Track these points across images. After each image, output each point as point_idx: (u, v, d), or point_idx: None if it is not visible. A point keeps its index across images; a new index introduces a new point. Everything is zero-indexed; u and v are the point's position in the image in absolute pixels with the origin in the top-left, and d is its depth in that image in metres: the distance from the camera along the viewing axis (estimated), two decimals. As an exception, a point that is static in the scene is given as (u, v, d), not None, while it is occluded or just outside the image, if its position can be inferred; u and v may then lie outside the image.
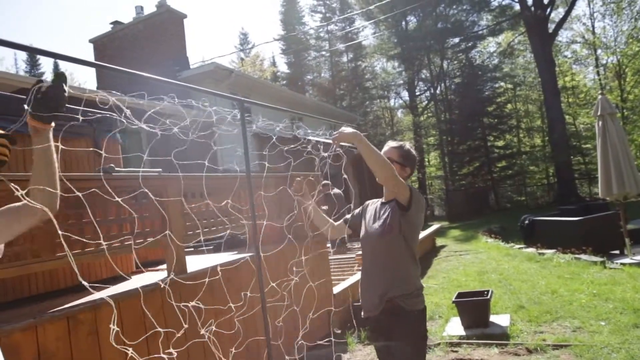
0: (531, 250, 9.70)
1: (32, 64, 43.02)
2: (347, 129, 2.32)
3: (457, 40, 32.43)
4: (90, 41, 16.07)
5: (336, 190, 9.52)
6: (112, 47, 15.44)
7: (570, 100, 30.93)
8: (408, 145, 2.59)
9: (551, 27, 25.38)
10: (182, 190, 3.57)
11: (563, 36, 31.40)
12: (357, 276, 6.56)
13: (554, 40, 26.08)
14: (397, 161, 2.48)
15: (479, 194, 27.78)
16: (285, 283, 3.43)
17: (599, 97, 8.18)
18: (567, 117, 28.20)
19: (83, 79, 51.93)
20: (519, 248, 10.20)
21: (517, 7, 26.86)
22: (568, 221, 10.04)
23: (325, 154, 2.59)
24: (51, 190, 1.34)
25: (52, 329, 2.25)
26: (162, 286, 2.75)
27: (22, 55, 42.80)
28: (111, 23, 15.84)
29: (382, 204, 2.51)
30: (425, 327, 2.39)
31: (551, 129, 24.83)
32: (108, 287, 3.12)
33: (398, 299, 2.29)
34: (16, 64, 47.12)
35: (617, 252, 8.94)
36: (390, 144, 2.59)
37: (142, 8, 15.50)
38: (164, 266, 3.44)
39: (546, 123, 28.11)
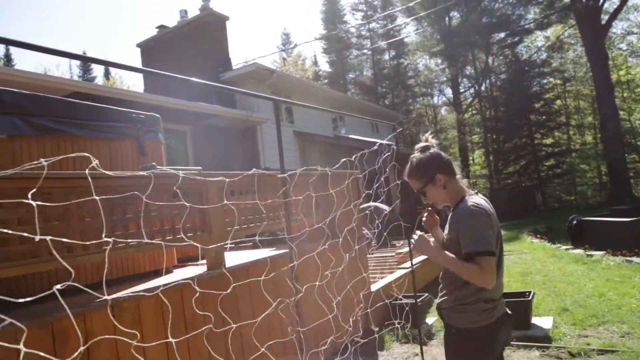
0: (579, 251, 9.35)
1: (85, 69, 45.14)
2: (421, 245, 2.06)
3: (502, 35, 31.62)
4: (138, 45, 16.69)
5: (375, 204, 7.41)
6: (158, 50, 15.97)
7: (625, 95, 29.48)
8: (412, 157, 2.13)
9: (604, 18, 24.21)
10: (223, 188, 3.68)
11: (617, 27, 29.88)
12: (397, 274, 6.56)
13: (607, 32, 24.89)
14: (421, 186, 2.09)
15: (525, 193, 26.94)
16: (324, 279, 3.48)
17: (654, 91, 7.78)
18: (621, 112, 26.89)
19: (132, 82, 54.02)
20: (566, 249, 9.85)
21: (567, -2, 25.83)
22: (619, 222, 9.62)
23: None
24: None
25: (99, 317, 2.39)
26: (197, 281, 2.86)
27: (76, 61, 44.96)
28: (157, 27, 16.38)
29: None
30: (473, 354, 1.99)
31: (604, 126, 23.72)
32: (153, 279, 3.28)
33: (444, 312, 2.11)
34: (70, 69, 49.59)
35: (672, 254, 8.49)
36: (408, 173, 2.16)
37: (186, 12, 15.95)
38: (204, 261, 3.58)
39: (598, 119, 26.88)
